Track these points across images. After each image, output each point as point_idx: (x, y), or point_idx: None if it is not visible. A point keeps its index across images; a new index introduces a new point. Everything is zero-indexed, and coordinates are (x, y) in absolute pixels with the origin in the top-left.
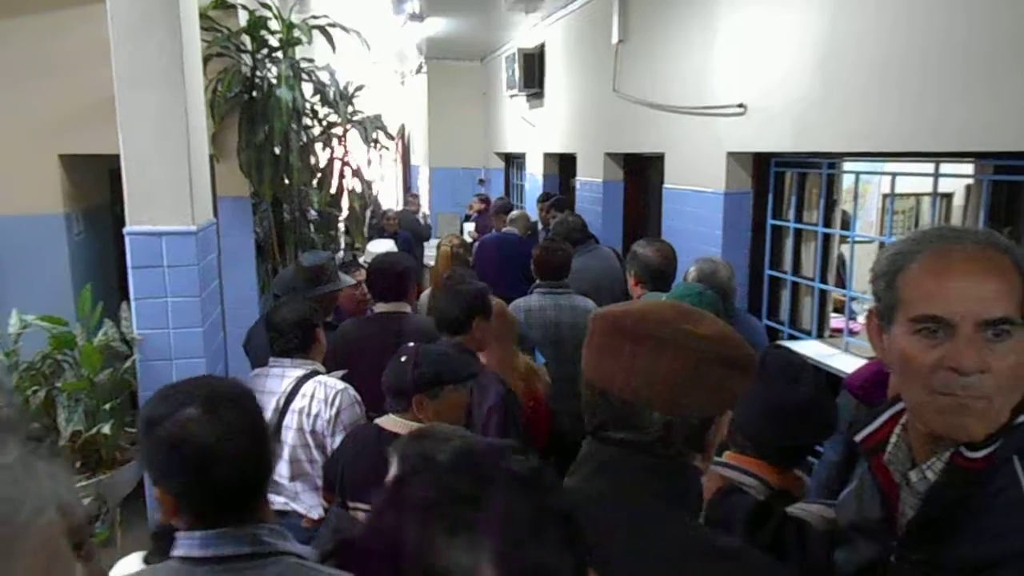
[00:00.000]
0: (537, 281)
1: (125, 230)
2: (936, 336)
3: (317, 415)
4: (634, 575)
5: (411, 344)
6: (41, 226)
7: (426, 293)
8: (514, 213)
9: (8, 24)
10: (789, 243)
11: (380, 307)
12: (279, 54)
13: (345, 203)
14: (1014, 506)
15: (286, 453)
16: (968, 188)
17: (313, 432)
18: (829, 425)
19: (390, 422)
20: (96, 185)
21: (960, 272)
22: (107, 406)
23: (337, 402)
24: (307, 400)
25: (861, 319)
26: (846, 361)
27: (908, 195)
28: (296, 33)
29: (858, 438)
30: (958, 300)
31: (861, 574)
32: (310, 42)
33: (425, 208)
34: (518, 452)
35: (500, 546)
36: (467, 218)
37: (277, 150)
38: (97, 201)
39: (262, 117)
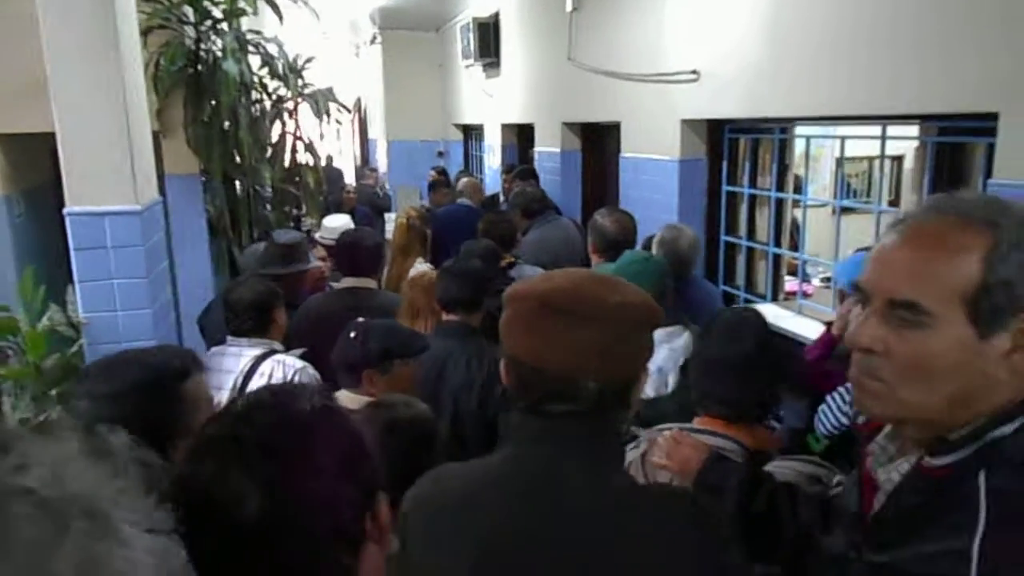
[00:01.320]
0: None
1: (65, 211)
2: (865, 308)
3: None
4: (594, 536)
5: (359, 320)
6: None
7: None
8: (464, 182)
9: None
10: (743, 209)
11: (347, 282)
12: (224, 25)
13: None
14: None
15: None
16: (916, 151)
17: None
18: (781, 373)
19: (342, 397)
20: (36, 165)
21: (897, 244)
22: (54, 391)
23: (296, 381)
24: (265, 379)
25: (815, 282)
26: (800, 323)
27: (860, 159)
28: (241, 4)
29: (860, 420)
30: (874, 272)
31: (831, 565)
32: (255, 13)
33: (384, 181)
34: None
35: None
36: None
37: (226, 125)
38: (38, 182)
39: (209, 91)
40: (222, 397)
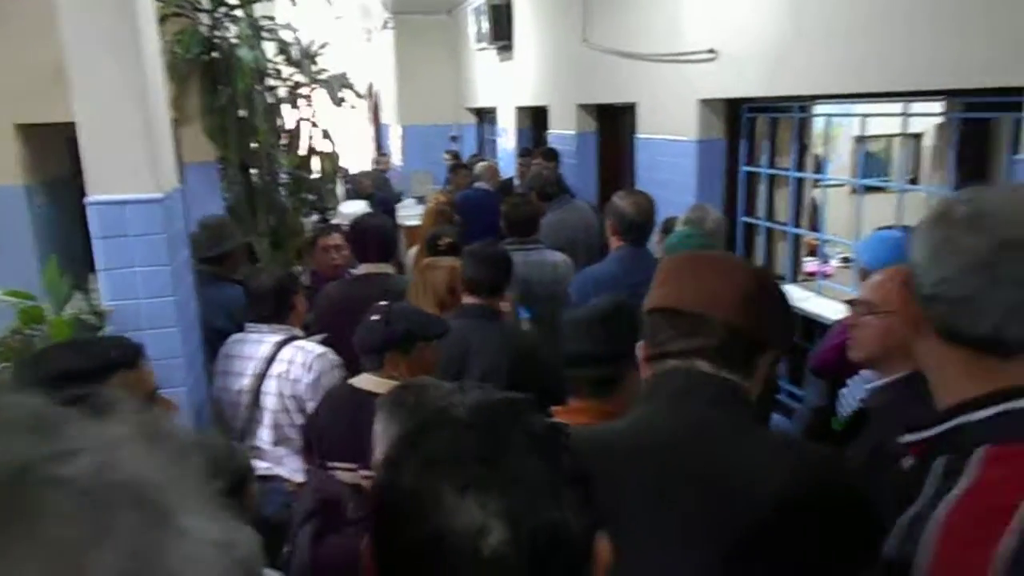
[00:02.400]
0: (507, 237)
1: (86, 200)
2: None
3: (297, 380)
4: (718, 477)
5: (382, 303)
6: (0, 199)
7: (413, 251)
8: (480, 166)
9: None
10: (763, 189)
11: (364, 268)
12: (238, 12)
13: (316, 164)
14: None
15: (267, 419)
16: (938, 128)
17: (294, 397)
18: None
19: (364, 381)
20: (56, 155)
21: None
22: None
23: (317, 367)
24: (286, 365)
25: (834, 262)
26: (821, 304)
27: (879, 137)
28: None
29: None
30: None
31: None
32: (270, 0)
33: (398, 166)
34: (534, 408)
35: (512, 507)
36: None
37: (241, 112)
38: (58, 172)
39: (224, 79)
40: (243, 383)
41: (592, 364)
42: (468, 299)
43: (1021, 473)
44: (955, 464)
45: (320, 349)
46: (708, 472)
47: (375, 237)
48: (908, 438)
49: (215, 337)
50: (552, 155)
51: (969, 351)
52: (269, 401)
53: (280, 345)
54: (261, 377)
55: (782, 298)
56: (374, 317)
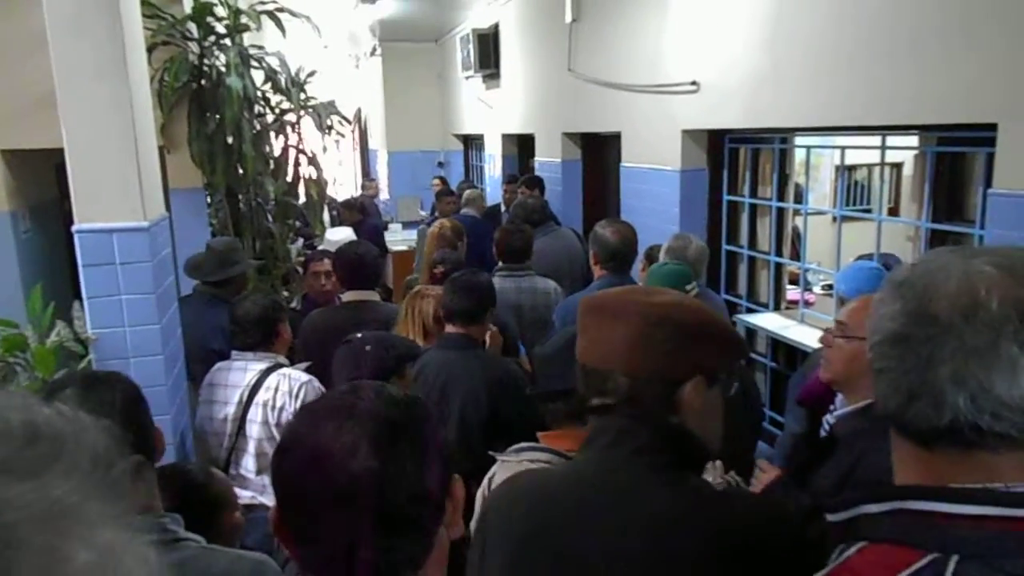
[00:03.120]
0: (499, 264)
1: (74, 228)
2: None
3: (282, 408)
4: (620, 529)
5: (357, 335)
6: None
7: (411, 278)
8: (468, 193)
9: None
10: (744, 218)
11: (348, 296)
12: (227, 41)
13: (302, 190)
14: None
15: (252, 447)
16: (916, 159)
17: (279, 425)
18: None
19: None
20: (42, 181)
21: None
22: None
23: (302, 395)
24: (271, 393)
25: (817, 290)
26: (803, 332)
27: (860, 166)
28: (244, 19)
29: None
30: None
31: None
32: (259, 28)
33: (384, 193)
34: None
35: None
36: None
37: (229, 139)
38: (44, 198)
39: (212, 106)
40: (228, 411)
41: (563, 398)
42: (448, 328)
43: (876, 574)
44: (843, 552)
45: (305, 377)
46: (618, 526)
47: (360, 265)
48: (829, 518)
49: (212, 358)
50: (535, 183)
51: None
52: (254, 429)
53: (265, 373)
54: (246, 405)
55: (696, 322)
56: (366, 347)
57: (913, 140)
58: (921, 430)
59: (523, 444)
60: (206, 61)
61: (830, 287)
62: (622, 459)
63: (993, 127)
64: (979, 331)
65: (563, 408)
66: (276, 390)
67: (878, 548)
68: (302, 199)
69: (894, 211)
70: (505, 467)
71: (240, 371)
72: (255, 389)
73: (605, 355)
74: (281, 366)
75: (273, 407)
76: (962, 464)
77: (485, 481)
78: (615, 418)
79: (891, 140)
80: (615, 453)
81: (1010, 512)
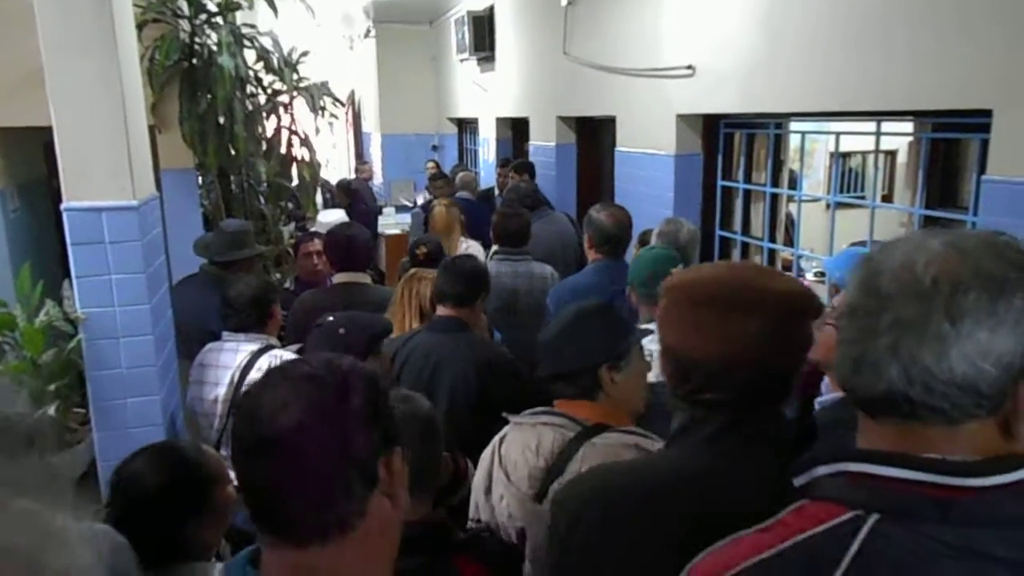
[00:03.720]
0: (495, 247)
1: (63, 206)
2: None
3: None
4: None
5: (330, 318)
6: None
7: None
8: (463, 176)
9: None
10: (739, 204)
11: (339, 277)
12: (219, 19)
13: (295, 172)
14: None
15: None
16: (910, 145)
17: None
18: (593, 348)
19: None
20: (30, 159)
21: None
22: (52, 387)
23: None
24: (262, 375)
25: (809, 276)
26: None
27: (855, 153)
28: None
29: None
30: None
31: None
32: (251, 7)
33: (378, 176)
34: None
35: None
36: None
37: (221, 120)
38: (32, 176)
39: (204, 85)
40: (219, 392)
41: (564, 381)
42: (439, 311)
43: (801, 525)
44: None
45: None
46: (711, 519)
47: (350, 246)
48: (795, 482)
49: (207, 338)
50: (525, 168)
51: None
52: None
53: (257, 354)
54: (237, 386)
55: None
56: (340, 330)
57: (908, 126)
58: (863, 399)
59: (538, 408)
60: (197, 40)
61: (823, 274)
62: (736, 449)
63: (988, 113)
64: (912, 304)
65: (568, 390)
66: None
67: (815, 505)
68: (295, 181)
69: (888, 198)
70: (519, 428)
71: (231, 352)
72: (246, 370)
73: (732, 352)
74: (272, 347)
75: None
76: (901, 435)
77: (496, 439)
78: (728, 410)
79: (886, 126)
80: (713, 448)
81: (932, 478)
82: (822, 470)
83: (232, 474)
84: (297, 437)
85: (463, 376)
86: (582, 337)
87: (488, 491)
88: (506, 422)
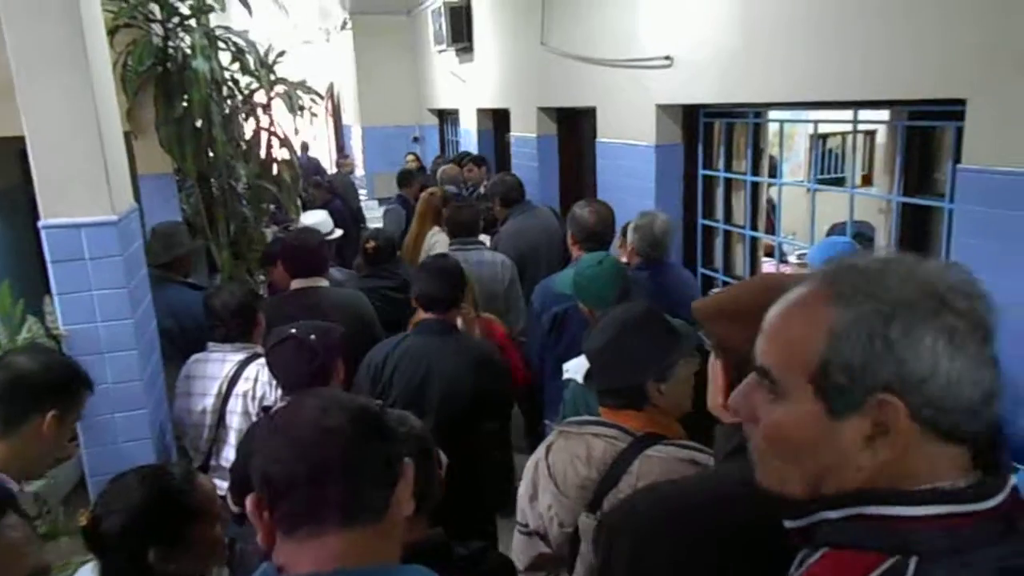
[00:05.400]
0: (450, 239)
1: (40, 224)
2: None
3: (263, 397)
4: None
5: (292, 331)
6: None
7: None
8: (447, 169)
9: None
10: (720, 192)
11: (296, 283)
12: (192, 22)
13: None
14: None
15: (232, 438)
16: (889, 129)
17: (259, 414)
18: (642, 361)
19: None
20: (5, 168)
21: (775, 307)
22: None
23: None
24: (251, 383)
25: (792, 259)
26: None
27: (835, 134)
28: (208, 0)
29: None
30: (760, 336)
31: None
32: (223, 9)
33: (360, 169)
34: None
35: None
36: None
37: (198, 123)
38: (7, 184)
39: (179, 90)
40: (207, 403)
41: (610, 394)
42: (423, 315)
43: None
44: (806, 559)
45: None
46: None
47: (303, 253)
48: (788, 524)
49: (160, 337)
50: (480, 162)
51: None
52: (234, 420)
53: (243, 363)
54: (225, 396)
55: None
56: (295, 343)
57: (884, 114)
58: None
59: (586, 418)
60: (171, 43)
61: (804, 256)
62: None
63: (962, 102)
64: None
65: (616, 403)
66: (256, 380)
67: (840, 554)
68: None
69: (868, 178)
70: (565, 438)
71: (218, 363)
72: (234, 380)
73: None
74: (258, 355)
75: (253, 397)
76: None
77: (542, 448)
78: None
79: (863, 114)
80: None
81: (960, 509)
82: (830, 514)
83: (219, 487)
84: (342, 437)
85: (456, 379)
86: (629, 352)
87: (533, 498)
88: (499, 425)
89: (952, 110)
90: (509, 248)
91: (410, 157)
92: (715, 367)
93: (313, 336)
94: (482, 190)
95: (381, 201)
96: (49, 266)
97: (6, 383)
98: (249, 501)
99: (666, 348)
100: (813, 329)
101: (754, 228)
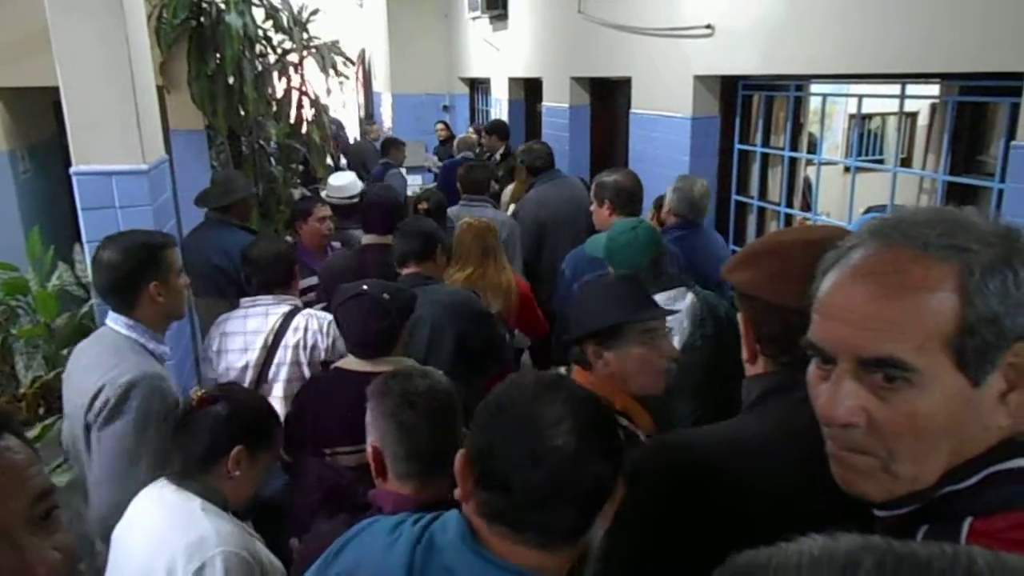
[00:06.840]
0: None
1: (72, 170)
2: (827, 369)
3: (314, 346)
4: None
5: (363, 288)
6: None
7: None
8: (461, 137)
9: None
10: (756, 168)
11: (368, 239)
12: None
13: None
14: None
15: (280, 390)
16: (933, 107)
17: (311, 364)
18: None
19: (351, 363)
20: (41, 119)
21: (850, 288)
22: (66, 351)
23: (332, 331)
24: (301, 333)
25: None
26: None
27: (874, 115)
28: None
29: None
30: (837, 326)
31: None
32: None
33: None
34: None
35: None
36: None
37: (230, 80)
38: (43, 136)
39: (212, 45)
40: (250, 358)
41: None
42: (403, 271)
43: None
44: (939, 533)
45: (329, 315)
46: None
47: (385, 210)
48: (880, 514)
49: (213, 273)
50: (497, 130)
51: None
52: (282, 371)
53: (289, 316)
54: (271, 349)
55: None
56: (368, 308)
57: (934, 89)
58: None
59: (562, 372)
60: None
61: None
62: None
63: (1019, 76)
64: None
65: (573, 356)
66: (306, 330)
67: (986, 523)
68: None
69: (907, 161)
70: None
71: (259, 316)
72: (280, 332)
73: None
74: (299, 308)
75: (305, 347)
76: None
77: None
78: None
79: (911, 89)
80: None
81: None
82: (956, 488)
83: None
84: (570, 459)
85: (438, 327)
86: (578, 306)
87: None
88: (483, 373)
89: (1009, 84)
90: (528, 216)
91: (439, 126)
92: (743, 323)
93: (386, 295)
94: (497, 157)
95: (409, 169)
96: (80, 213)
97: None
98: (459, 460)
99: (611, 309)
100: (935, 293)
101: (789, 205)
